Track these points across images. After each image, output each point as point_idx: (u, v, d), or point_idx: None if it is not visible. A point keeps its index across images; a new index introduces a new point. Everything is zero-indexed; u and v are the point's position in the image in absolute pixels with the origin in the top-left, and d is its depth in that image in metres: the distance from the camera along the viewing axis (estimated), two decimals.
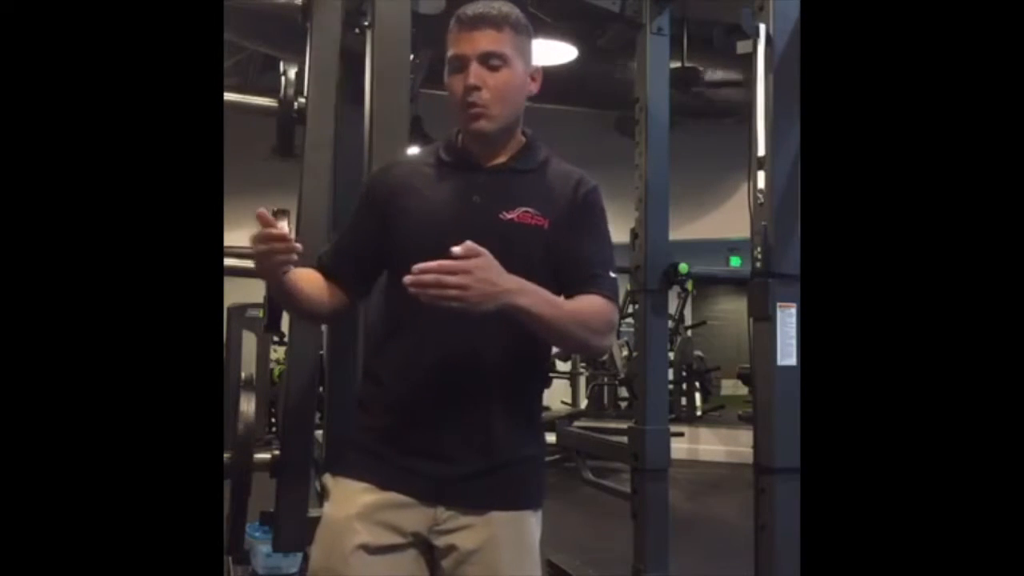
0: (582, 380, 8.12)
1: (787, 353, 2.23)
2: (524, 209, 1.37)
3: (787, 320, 2.23)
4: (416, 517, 1.34)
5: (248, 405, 2.10)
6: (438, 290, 1.17)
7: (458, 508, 1.34)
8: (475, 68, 1.35)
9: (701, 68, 5.59)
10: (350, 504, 1.35)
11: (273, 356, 6.52)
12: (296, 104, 2.22)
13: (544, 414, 6.39)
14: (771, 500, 2.22)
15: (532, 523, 1.40)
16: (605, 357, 7.90)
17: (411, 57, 2.09)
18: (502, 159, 1.43)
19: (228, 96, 2.15)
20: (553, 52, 5.18)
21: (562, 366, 7.58)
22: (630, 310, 6.96)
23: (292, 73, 2.24)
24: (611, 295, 1.38)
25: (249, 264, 2.20)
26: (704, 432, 7.57)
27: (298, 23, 2.24)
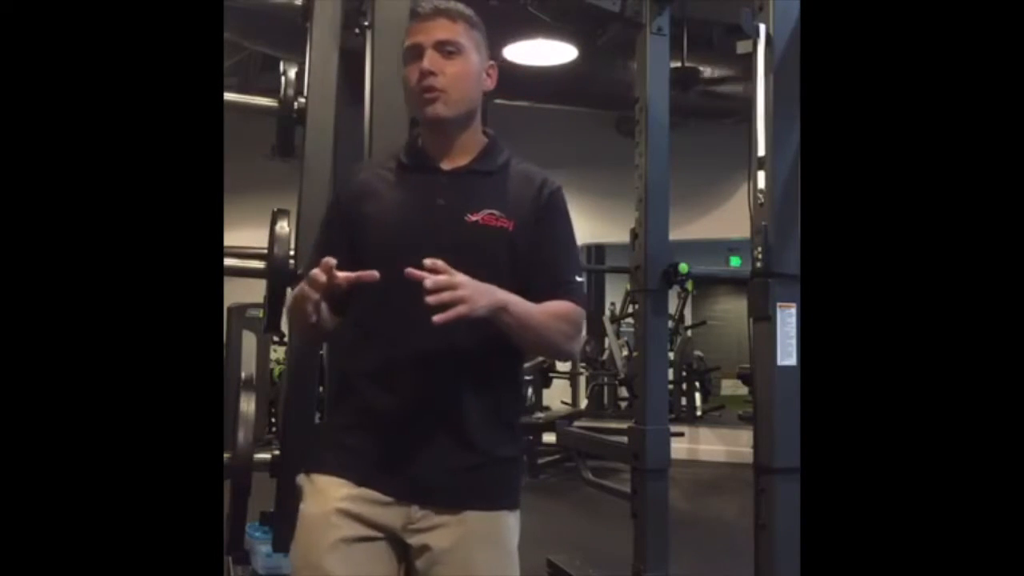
0: (582, 380, 8.12)
1: (787, 353, 2.23)
2: (489, 211, 1.38)
3: (787, 320, 2.24)
4: (390, 515, 1.34)
5: (248, 405, 2.10)
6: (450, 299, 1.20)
7: (432, 507, 1.34)
8: (430, 54, 1.37)
9: (701, 68, 5.59)
10: (326, 499, 1.35)
11: (273, 356, 6.53)
12: (296, 104, 2.22)
13: (544, 414, 6.33)
14: (771, 500, 2.22)
15: (509, 523, 1.39)
16: (604, 357, 7.92)
17: None
18: (463, 161, 1.43)
19: (228, 96, 2.16)
20: (553, 52, 5.18)
21: (562, 366, 7.58)
22: (630, 310, 6.97)
23: (292, 73, 2.24)
24: (580, 300, 1.41)
25: (249, 264, 2.21)
26: (704, 432, 7.57)
27: (298, 23, 2.24)
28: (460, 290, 1.21)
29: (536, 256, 1.40)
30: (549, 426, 5.95)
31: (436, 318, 1.19)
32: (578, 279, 1.43)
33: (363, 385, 1.39)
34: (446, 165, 1.43)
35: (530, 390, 7.09)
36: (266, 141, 2.34)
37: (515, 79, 5.55)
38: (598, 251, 8.25)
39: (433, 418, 1.35)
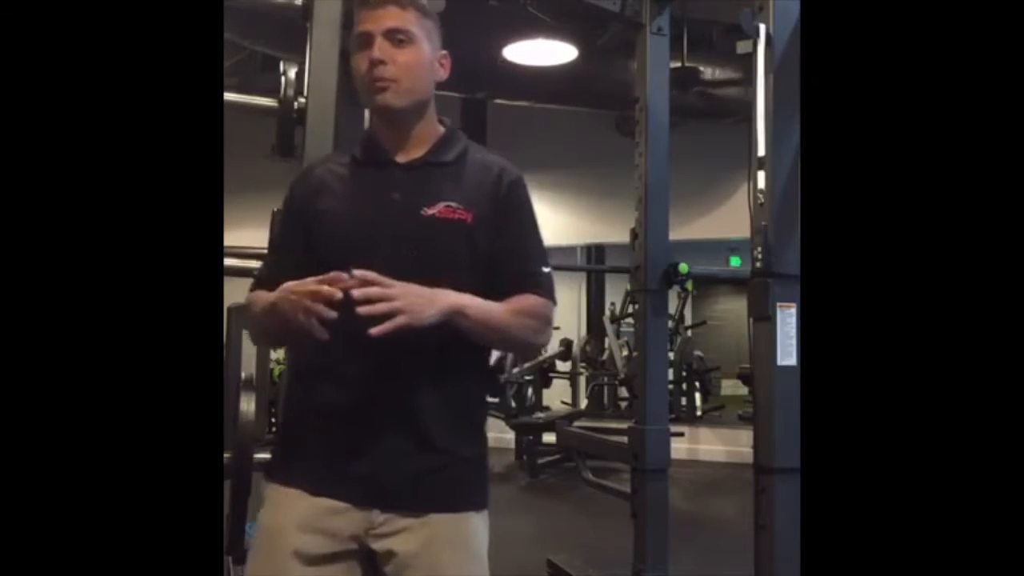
0: (582, 380, 8.12)
1: (787, 353, 2.23)
2: (446, 204, 1.34)
3: (787, 320, 2.24)
4: (351, 522, 1.30)
5: (248, 405, 2.10)
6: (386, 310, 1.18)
7: (394, 511, 1.30)
8: (380, 43, 1.34)
9: (701, 68, 5.59)
10: (283, 512, 1.31)
11: (273, 356, 6.53)
12: (296, 104, 2.22)
13: (544, 414, 6.31)
14: (771, 500, 2.22)
15: (476, 525, 1.35)
16: (604, 357, 7.91)
17: None
18: (418, 152, 1.39)
19: (228, 96, 2.16)
20: (553, 52, 5.18)
21: (562, 366, 7.57)
22: (630, 310, 6.97)
23: (292, 73, 2.25)
24: (546, 292, 1.37)
25: (249, 264, 2.21)
26: (704, 432, 7.57)
27: (298, 23, 2.24)
28: (397, 301, 1.18)
29: (498, 248, 1.36)
30: (549, 426, 5.95)
31: (372, 331, 1.16)
32: (544, 270, 1.39)
33: (318, 385, 1.35)
34: (401, 158, 1.39)
35: (530, 390, 7.10)
36: (266, 141, 2.33)
37: (515, 79, 5.56)
38: (598, 251, 8.25)
39: (391, 419, 1.31)
